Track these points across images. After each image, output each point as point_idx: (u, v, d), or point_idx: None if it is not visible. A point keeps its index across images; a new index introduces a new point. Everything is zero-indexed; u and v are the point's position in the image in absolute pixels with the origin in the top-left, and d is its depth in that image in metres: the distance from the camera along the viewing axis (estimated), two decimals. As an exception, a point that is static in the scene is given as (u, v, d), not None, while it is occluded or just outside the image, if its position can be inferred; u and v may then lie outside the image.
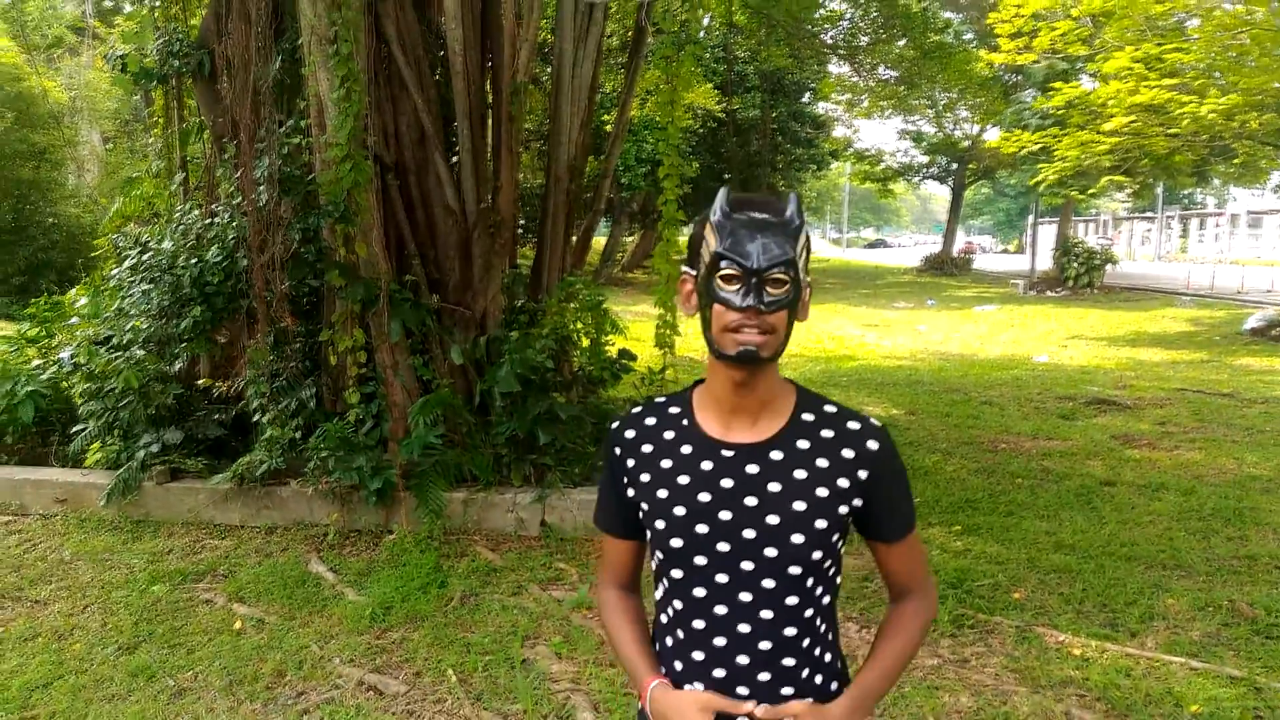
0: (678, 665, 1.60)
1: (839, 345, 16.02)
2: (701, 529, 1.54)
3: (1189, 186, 36.05)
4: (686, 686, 1.57)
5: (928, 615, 1.67)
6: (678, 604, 1.59)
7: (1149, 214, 57.26)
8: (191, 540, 5.75)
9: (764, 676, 1.54)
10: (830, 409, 1.61)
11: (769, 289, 1.45)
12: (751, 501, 1.53)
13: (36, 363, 7.31)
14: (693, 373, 11.30)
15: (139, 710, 3.75)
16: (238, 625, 4.52)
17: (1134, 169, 17.39)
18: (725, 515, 1.54)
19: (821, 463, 1.55)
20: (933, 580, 1.73)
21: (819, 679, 1.60)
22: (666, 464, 1.60)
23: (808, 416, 1.59)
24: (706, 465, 1.57)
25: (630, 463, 1.64)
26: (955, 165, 42.53)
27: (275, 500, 5.96)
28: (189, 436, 6.34)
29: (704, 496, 1.55)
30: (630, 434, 1.66)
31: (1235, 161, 19.18)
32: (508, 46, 6.42)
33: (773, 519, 1.52)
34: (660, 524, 1.58)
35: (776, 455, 1.56)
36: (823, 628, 1.62)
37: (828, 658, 1.63)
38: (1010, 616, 4.55)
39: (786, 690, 1.55)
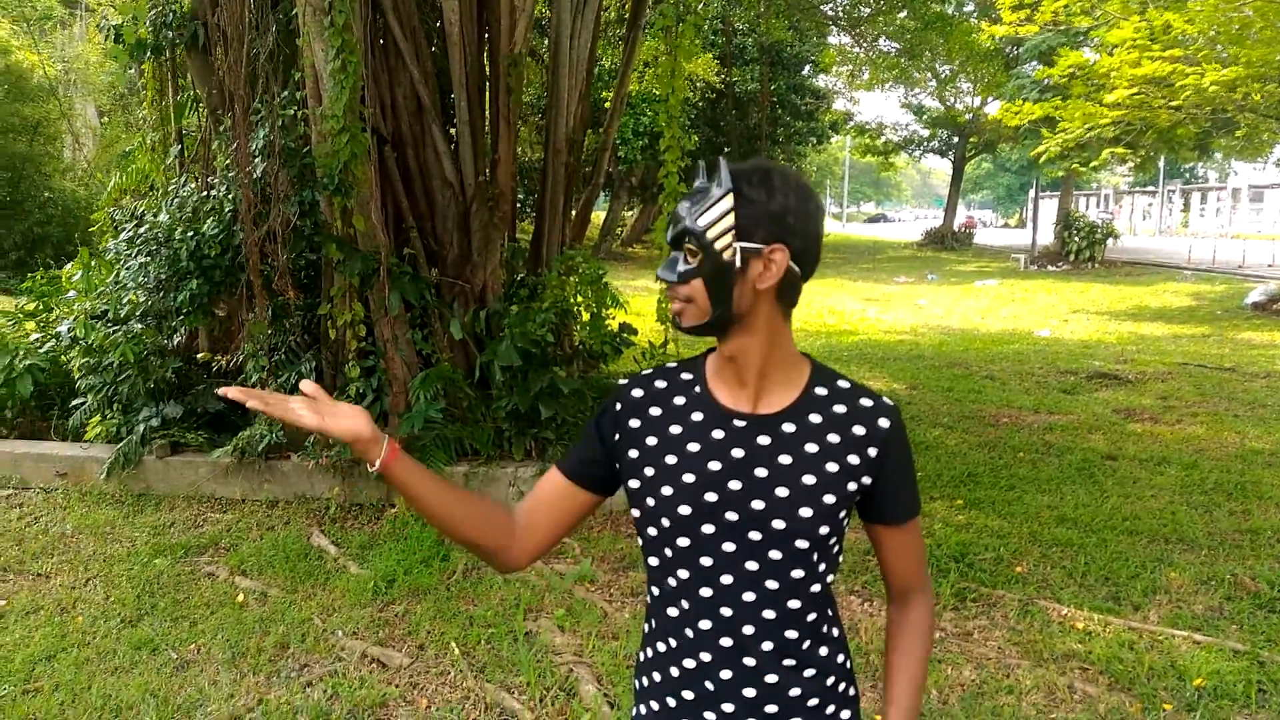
0: (674, 640, 1.57)
1: (840, 320, 15.99)
2: (710, 497, 1.52)
3: (1191, 160, 35.83)
4: (688, 659, 1.54)
5: (932, 610, 1.68)
6: (682, 573, 1.56)
7: (1150, 188, 57.13)
8: (193, 514, 5.75)
9: (767, 646, 1.53)
10: (844, 384, 1.59)
11: (683, 260, 1.49)
12: (761, 473, 1.51)
13: (35, 337, 7.28)
14: (693, 348, 11.27)
15: (142, 682, 3.75)
16: (240, 598, 4.51)
17: (1136, 142, 17.25)
18: (735, 485, 1.52)
19: (833, 438, 1.53)
20: (929, 573, 1.72)
21: (823, 650, 1.58)
22: (676, 430, 1.58)
23: (821, 391, 1.57)
24: (718, 434, 1.55)
25: (634, 423, 1.61)
26: (956, 139, 42.38)
27: (276, 474, 5.95)
28: (189, 410, 6.32)
29: (714, 465, 1.53)
30: (638, 393, 1.62)
31: (1237, 135, 19.01)
32: (505, 17, 6.34)
33: (782, 491, 1.50)
34: (667, 489, 1.55)
35: (789, 428, 1.54)
36: (825, 601, 1.60)
37: (835, 632, 1.62)
38: (1013, 590, 4.55)
39: (789, 662, 1.54)
